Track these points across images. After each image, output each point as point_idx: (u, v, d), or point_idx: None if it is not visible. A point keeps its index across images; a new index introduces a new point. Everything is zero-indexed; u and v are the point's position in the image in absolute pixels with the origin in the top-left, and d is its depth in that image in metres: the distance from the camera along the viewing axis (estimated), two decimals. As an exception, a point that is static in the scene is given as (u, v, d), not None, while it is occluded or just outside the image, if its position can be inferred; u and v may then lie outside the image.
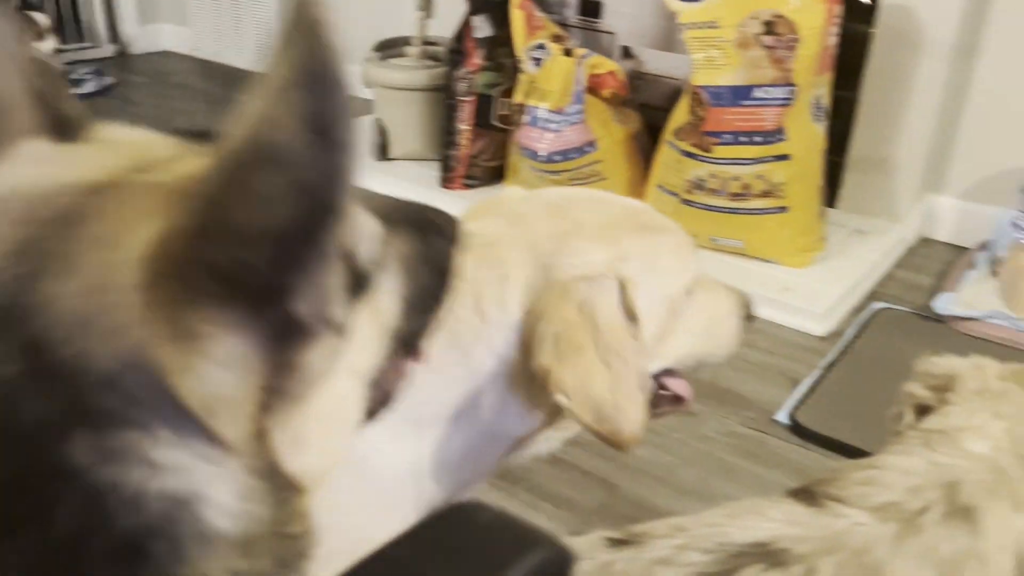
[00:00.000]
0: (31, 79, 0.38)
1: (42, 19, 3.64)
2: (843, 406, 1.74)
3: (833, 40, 2.11)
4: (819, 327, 2.04)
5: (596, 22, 2.65)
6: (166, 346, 0.30)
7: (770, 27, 2.03)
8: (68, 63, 3.97)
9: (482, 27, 2.54)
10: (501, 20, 2.56)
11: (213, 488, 0.32)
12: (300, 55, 0.29)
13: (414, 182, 2.79)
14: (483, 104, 2.64)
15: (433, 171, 2.82)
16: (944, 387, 0.85)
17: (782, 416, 1.71)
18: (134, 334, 0.31)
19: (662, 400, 0.87)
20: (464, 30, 2.58)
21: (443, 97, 2.72)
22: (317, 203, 0.30)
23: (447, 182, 2.75)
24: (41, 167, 0.35)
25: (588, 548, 0.71)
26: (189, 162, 0.36)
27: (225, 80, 4.18)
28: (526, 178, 2.60)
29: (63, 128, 0.38)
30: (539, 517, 1.47)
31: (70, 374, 0.30)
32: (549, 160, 2.42)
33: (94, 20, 4.44)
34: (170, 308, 0.31)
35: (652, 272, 0.75)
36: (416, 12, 2.86)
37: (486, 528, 0.37)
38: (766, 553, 0.67)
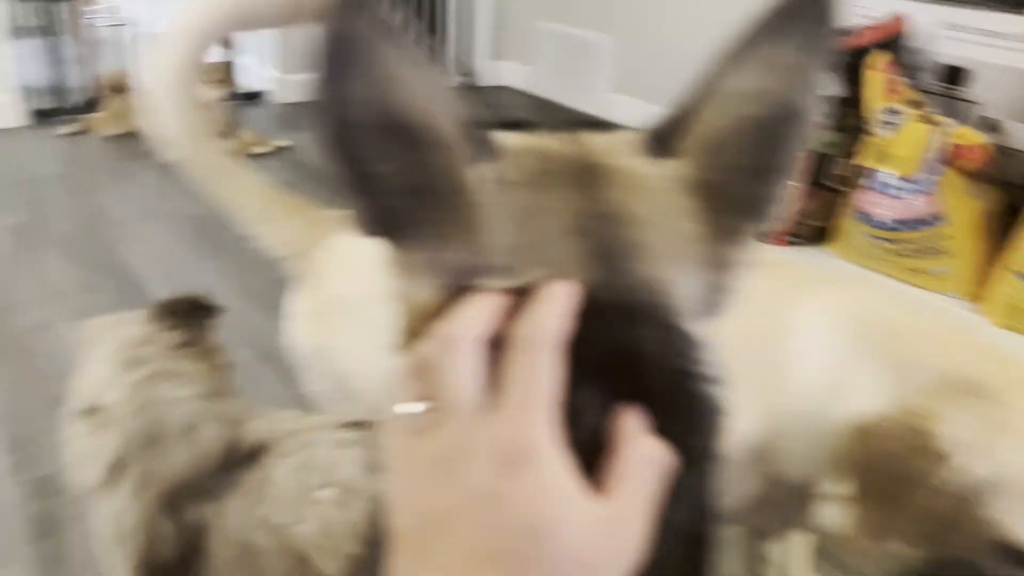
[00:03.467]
0: (458, 108, 0.40)
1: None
2: None
3: None
4: None
5: (957, 90, 2.50)
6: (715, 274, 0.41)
7: None
8: (426, 90, 4.46)
9: (831, 85, 2.49)
10: (851, 79, 2.50)
11: None
12: (811, 36, 0.39)
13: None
14: (819, 162, 2.59)
15: (754, 224, 2.81)
16: None
17: None
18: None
19: None
20: (813, 88, 2.55)
21: (777, 152, 2.71)
22: (803, 138, 0.41)
23: (769, 238, 2.73)
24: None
25: None
26: (609, 141, 0.44)
27: (554, 118, 4.48)
28: (856, 243, 2.51)
29: (481, 145, 0.41)
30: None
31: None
32: (888, 227, 2.32)
33: (448, 54, 4.97)
34: (718, 243, 0.41)
35: None
36: (760, 67, 2.88)
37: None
38: None
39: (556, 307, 0.36)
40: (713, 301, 0.41)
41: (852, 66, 2.48)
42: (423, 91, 0.38)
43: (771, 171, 0.40)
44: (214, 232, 2.79)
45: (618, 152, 0.41)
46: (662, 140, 0.41)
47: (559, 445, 0.34)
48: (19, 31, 3.95)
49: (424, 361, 0.37)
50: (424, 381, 0.37)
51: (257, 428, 0.89)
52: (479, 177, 0.39)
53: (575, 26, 4.46)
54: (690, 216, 0.40)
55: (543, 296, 0.37)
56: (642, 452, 0.36)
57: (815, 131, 0.41)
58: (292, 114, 4.30)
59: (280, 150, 3.68)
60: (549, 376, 0.35)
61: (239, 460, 0.85)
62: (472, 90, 4.97)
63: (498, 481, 0.33)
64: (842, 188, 2.58)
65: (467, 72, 5.02)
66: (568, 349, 0.36)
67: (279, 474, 0.83)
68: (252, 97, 4.47)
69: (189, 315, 0.99)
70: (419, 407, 0.36)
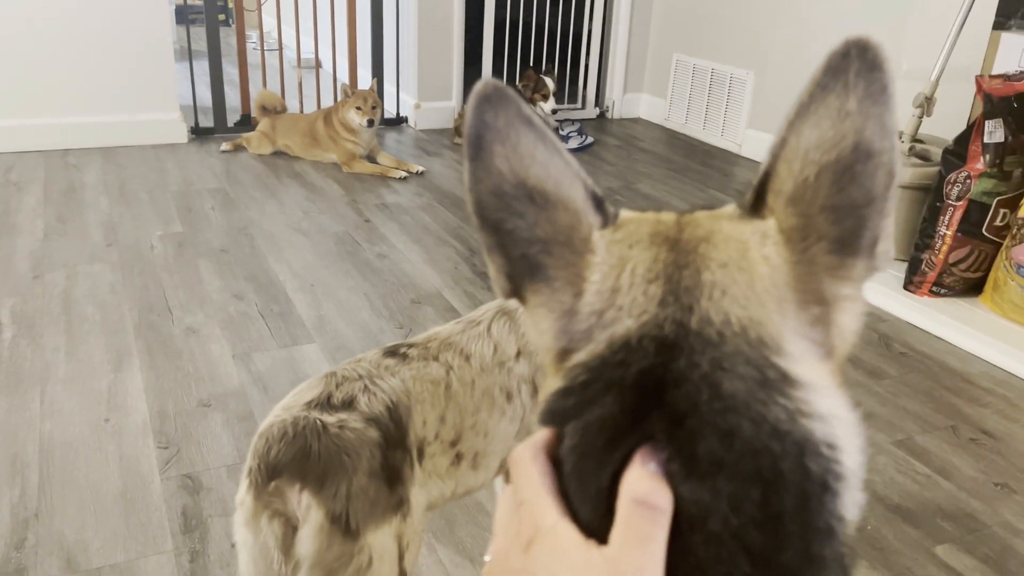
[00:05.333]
0: (584, 179, 0.46)
1: (550, 83, 4.21)
2: None
3: None
4: None
5: None
6: (815, 311, 0.42)
7: None
8: (559, 120, 4.53)
9: (995, 132, 2.36)
10: (1018, 126, 2.36)
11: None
12: (870, 82, 0.41)
13: (873, 280, 2.68)
14: (974, 211, 2.45)
15: (896, 272, 2.69)
16: None
17: None
18: (788, 314, 0.41)
19: None
20: (972, 133, 2.42)
21: (927, 198, 2.59)
22: (889, 174, 0.41)
23: (913, 285, 2.60)
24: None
25: None
26: (710, 213, 0.47)
27: (687, 151, 4.44)
28: (1013, 298, 2.35)
29: (604, 214, 0.47)
30: None
31: (759, 359, 0.40)
32: (1051, 284, 2.17)
33: (587, 86, 5.02)
34: (811, 282, 0.42)
35: None
36: (912, 109, 2.77)
37: None
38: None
39: (523, 451, 0.44)
40: (823, 338, 0.42)
41: (1019, 111, 2.35)
42: (554, 167, 0.45)
43: (857, 207, 0.42)
44: (353, 250, 2.91)
45: (715, 217, 0.46)
46: (753, 204, 0.45)
47: (565, 517, 0.40)
48: (184, 53, 4.26)
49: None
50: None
51: None
52: (596, 236, 0.45)
53: (713, 61, 4.42)
54: (779, 259, 0.42)
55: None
56: (631, 494, 0.38)
57: (900, 168, 0.43)
58: (428, 140, 4.44)
59: (417, 174, 3.80)
60: (539, 474, 0.42)
61: None
62: (606, 121, 4.99)
63: (523, 559, 0.41)
64: (999, 239, 2.43)
65: (601, 104, 5.05)
66: (632, 388, 0.40)
67: None
68: (392, 123, 4.65)
69: None
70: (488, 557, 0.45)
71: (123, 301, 2.42)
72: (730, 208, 0.46)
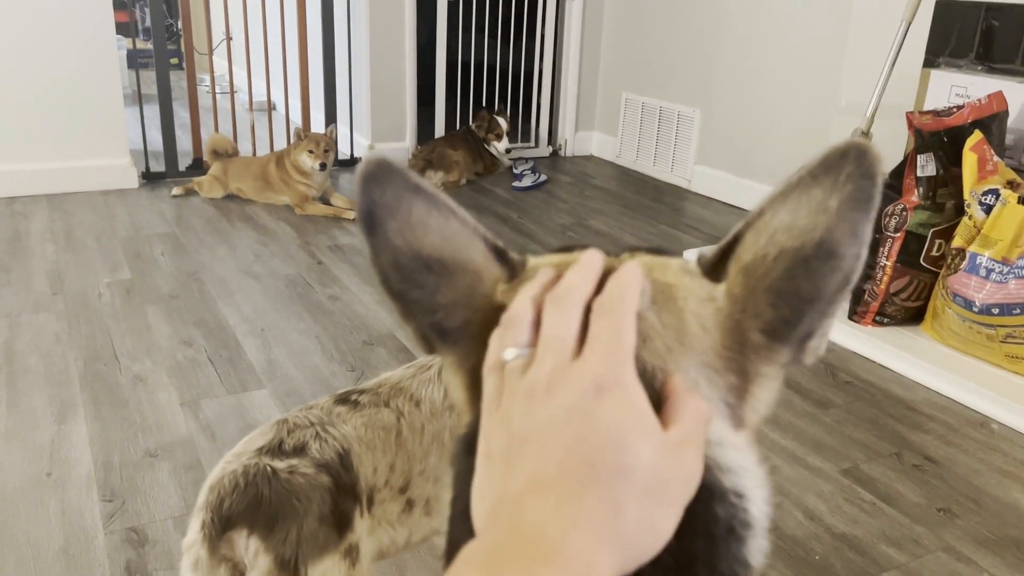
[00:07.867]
0: (484, 235, 0.47)
1: (503, 123, 4.26)
2: None
3: None
4: None
5: (1060, 171, 2.42)
6: (733, 380, 0.43)
7: None
8: (513, 159, 4.58)
9: (927, 165, 2.45)
10: (948, 160, 2.45)
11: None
12: (857, 188, 0.42)
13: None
14: (911, 242, 2.53)
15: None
16: None
17: None
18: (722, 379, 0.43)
19: None
20: (906, 166, 2.51)
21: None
22: (846, 280, 0.42)
23: (857, 315, 2.66)
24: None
25: None
26: (661, 260, 0.47)
27: (638, 187, 4.51)
28: (951, 326, 2.42)
29: (508, 266, 0.48)
30: None
31: None
32: (985, 312, 2.24)
33: (539, 125, 5.09)
34: (737, 353, 0.43)
35: None
36: (850, 144, 2.85)
37: None
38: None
39: (634, 284, 0.43)
40: (735, 407, 0.43)
41: (948, 146, 2.44)
42: (449, 230, 0.46)
43: (800, 299, 0.42)
44: (305, 292, 2.90)
45: (660, 268, 0.46)
46: (714, 264, 0.45)
47: (639, 383, 0.40)
48: (134, 97, 4.24)
49: (530, 310, 0.43)
50: (524, 328, 0.43)
51: None
52: (500, 290, 0.46)
53: (661, 99, 4.52)
54: (712, 323, 0.43)
55: (620, 273, 0.43)
56: (695, 402, 0.40)
57: (856, 275, 0.43)
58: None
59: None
60: (632, 331, 0.41)
61: None
62: (559, 159, 5.06)
63: (589, 402, 0.38)
64: (936, 269, 2.51)
65: (554, 143, 5.12)
66: None
67: None
68: (346, 164, 4.65)
69: None
70: (525, 351, 0.42)
71: (68, 351, 2.38)
72: (682, 261, 0.47)
